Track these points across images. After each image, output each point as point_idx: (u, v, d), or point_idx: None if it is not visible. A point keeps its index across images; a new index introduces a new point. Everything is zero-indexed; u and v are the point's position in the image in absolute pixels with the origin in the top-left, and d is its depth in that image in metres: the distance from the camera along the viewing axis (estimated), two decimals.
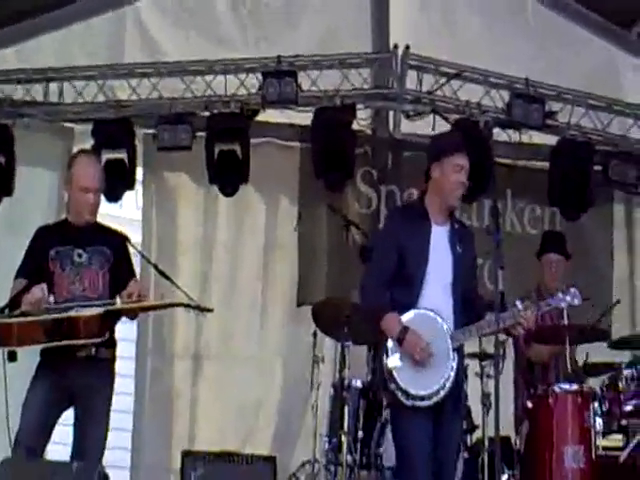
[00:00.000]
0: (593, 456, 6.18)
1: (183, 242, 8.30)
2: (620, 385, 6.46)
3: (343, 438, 6.72)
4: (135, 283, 5.54)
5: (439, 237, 5.28)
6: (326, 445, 6.99)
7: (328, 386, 7.22)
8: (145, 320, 7.74)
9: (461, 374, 5.30)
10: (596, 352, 7.04)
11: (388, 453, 6.63)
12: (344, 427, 6.75)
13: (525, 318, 5.20)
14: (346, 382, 6.89)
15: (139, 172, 8.14)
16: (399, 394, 5.07)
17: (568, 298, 5.42)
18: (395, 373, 5.09)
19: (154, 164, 8.31)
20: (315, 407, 7.11)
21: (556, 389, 6.37)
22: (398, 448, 5.25)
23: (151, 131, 8.03)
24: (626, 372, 6.47)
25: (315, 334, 7.30)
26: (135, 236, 7.37)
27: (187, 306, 5.58)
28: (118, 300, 5.51)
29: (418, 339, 5.07)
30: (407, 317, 5.13)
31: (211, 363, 8.14)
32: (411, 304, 5.16)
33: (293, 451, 7.94)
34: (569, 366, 6.68)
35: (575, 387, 6.38)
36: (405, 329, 5.10)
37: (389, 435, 6.66)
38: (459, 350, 5.20)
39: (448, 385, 5.06)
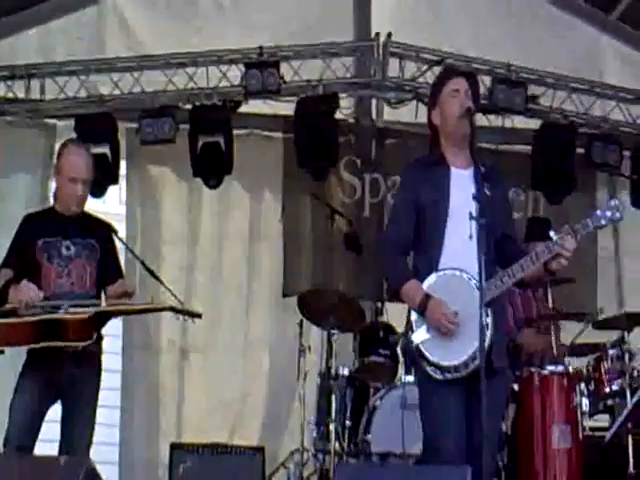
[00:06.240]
0: (580, 436, 6.17)
1: (168, 235, 8.29)
2: (605, 365, 6.46)
3: (331, 426, 6.74)
4: (125, 283, 5.54)
5: (461, 181, 4.75)
6: (314, 434, 7.02)
7: (315, 375, 7.23)
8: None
9: (500, 330, 4.72)
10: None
11: (376, 440, 6.67)
12: (332, 415, 6.76)
13: (564, 247, 4.67)
14: (333, 370, 6.92)
15: (122, 166, 8.13)
16: (431, 370, 4.63)
17: (609, 213, 4.74)
18: (423, 348, 4.64)
19: (137, 158, 8.30)
20: (302, 396, 7.12)
21: (542, 371, 6.33)
22: (426, 429, 4.72)
23: (134, 125, 8.03)
24: (611, 352, 6.46)
25: (301, 323, 7.32)
26: (119, 230, 7.39)
27: (176, 311, 5.53)
28: (103, 298, 5.49)
29: (441, 307, 4.60)
30: (429, 282, 4.66)
31: (197, 355, 8.12)
32: (434, 264, 4.69)
33: (281, 441, 7.95)
34: (555, 349, 6.69)
35: (561, 368, 6.35)
36: (427, 297, 4.62)
37: (377, 422, 6.74)
38: (493, 304, 4.62)
39: (485, 347, 4.47)
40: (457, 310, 4.62)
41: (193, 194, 8.34)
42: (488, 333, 4.52)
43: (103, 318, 5.42)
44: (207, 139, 7.99)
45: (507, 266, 4.70)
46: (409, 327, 4.71)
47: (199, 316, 5.54)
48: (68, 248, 5.51)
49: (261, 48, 7.96)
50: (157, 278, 5.77)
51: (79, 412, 5.46)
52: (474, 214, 4.53)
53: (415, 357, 4.69)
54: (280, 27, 8.29)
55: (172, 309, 5.50)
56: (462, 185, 4.73)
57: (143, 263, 5.87)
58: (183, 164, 8.06)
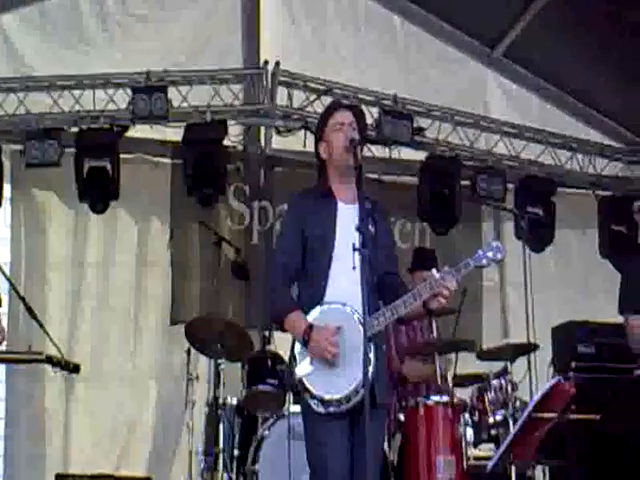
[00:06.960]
0: (465, 466, 6.28)
1: (53, 260, 8.13)
2: (489, 395, 6.57)
3: (219, 456, 6.71)
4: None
5: (346, 217, 4.77)
6: (202, 464, 6.93)
7: (203, 404, 7.18)
8: (15, 342, 7.57)
9: (382, 365, 4.76)
10: (465, 363, 7.17)
11: (264, 470, 6.65)
12: (219, 445, 6.74)
13: (445, 285, 4.65)
14: (221, 400, 6.88)
15: (7, 189, 7.95)
16: (313, 403, 4.63)
17: (490, 254, 4.78)
18: (306, 381, 4.64)
19: (22, 181, 8.13)
20: (190, 426, 7.05)
21: (427, 401, 6.43)
22: (311, 461, 4.72)
23: (18, 147, 7.90)
24: (494, 382, 6.58)
25: (189, 352, 7.26)
26: (4, 254, 7.21)
27: (53, 364, 5.41)
28: None
29: (325, 334, 4.60)
30: (313, 316, 4.67)
31: (83, 384, 7.91)
32: (318, 296, 4.71)
33: (169, 471, 7.90)
34: (439, 379, 6.79)
35: (445, 399, 6.45)
36: (310, 327, 4.63)
37: (265, 452, 6.72)
38: (376, 339, 4.65)
39: (368, 381, 4.43)
40: (340, 343, 4.63)
41: (79, 219, 8.21)
42: (370, 368, 4.51)
43: None
44: (93, 163, 7.91)
45: (389, 301, 4.73)
46: (292, 359, 4.71)
47: (77, 371, 5.44)
48: None
49: (148, 72, 7.91)
50: (39, 322, 5.72)
51: None
52: (357, 245, 4.52)
53: (299, 390, 4.68)
54: (168, 52, 8.28)
55: (49, 360, 5.38)
56: (348, 219, 4.73)
57: (25, 302, 5.75)
58: (69, 188, 7.95)
